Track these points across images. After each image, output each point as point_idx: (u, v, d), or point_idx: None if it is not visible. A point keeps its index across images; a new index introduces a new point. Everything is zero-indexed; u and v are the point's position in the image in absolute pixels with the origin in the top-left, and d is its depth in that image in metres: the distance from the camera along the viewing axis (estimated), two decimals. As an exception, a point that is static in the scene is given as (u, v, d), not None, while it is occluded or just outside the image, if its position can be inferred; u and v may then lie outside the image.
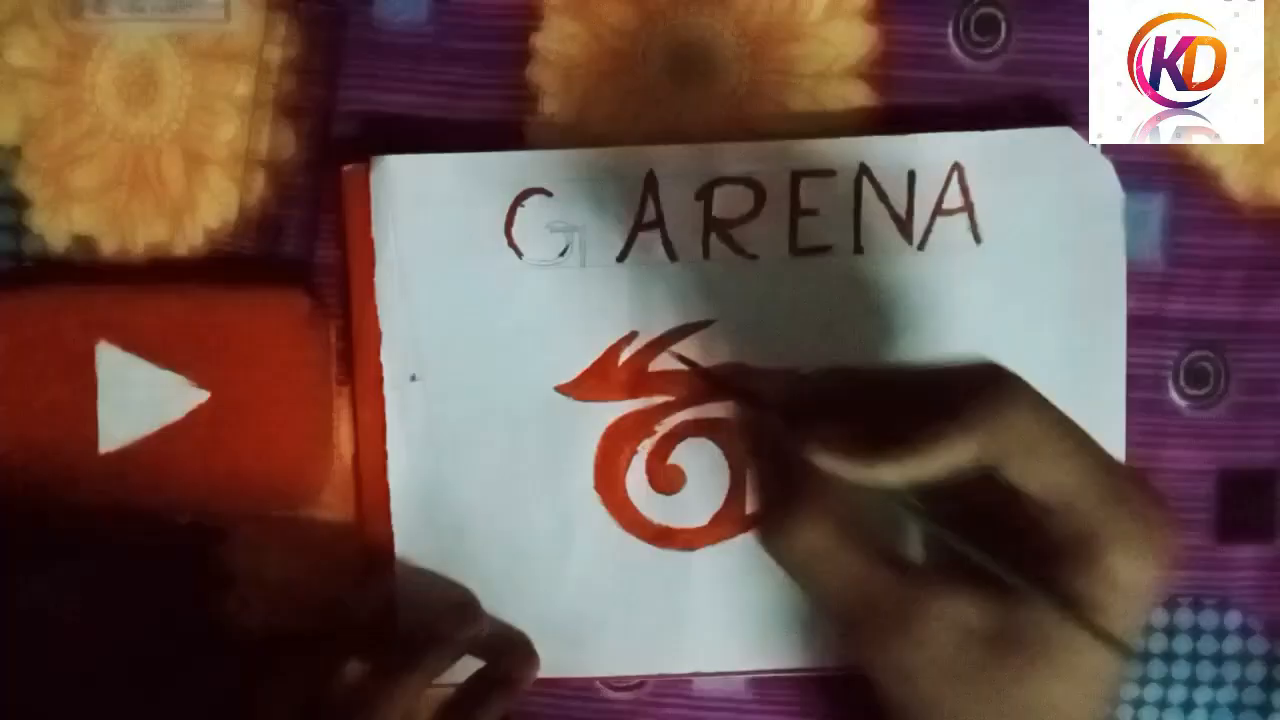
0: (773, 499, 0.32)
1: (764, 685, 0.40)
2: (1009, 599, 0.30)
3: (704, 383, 0.35)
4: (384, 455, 0.39)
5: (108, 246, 0.39)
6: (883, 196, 0.38)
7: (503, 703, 0.38)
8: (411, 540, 0.39)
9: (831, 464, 0.31)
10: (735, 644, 0.39)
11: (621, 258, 0.39)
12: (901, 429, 0.30)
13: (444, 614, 0.38)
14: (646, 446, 0.39)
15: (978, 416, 0.29)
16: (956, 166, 0.38)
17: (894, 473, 0.30)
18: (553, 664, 0.39)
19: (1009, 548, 0.30)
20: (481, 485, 0.39)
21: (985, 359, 0.31)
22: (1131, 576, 0.29)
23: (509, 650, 0.39)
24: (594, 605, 0.39)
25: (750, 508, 0.39)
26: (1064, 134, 0.38)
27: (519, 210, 0.38)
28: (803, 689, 0.40)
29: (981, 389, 0.30)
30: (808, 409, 0.32)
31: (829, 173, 0.38)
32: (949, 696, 0.30)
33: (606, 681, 0.40)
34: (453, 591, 0.39)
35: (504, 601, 0.39)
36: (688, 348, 0.38)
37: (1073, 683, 0.30)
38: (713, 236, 0.39)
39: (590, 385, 0.39)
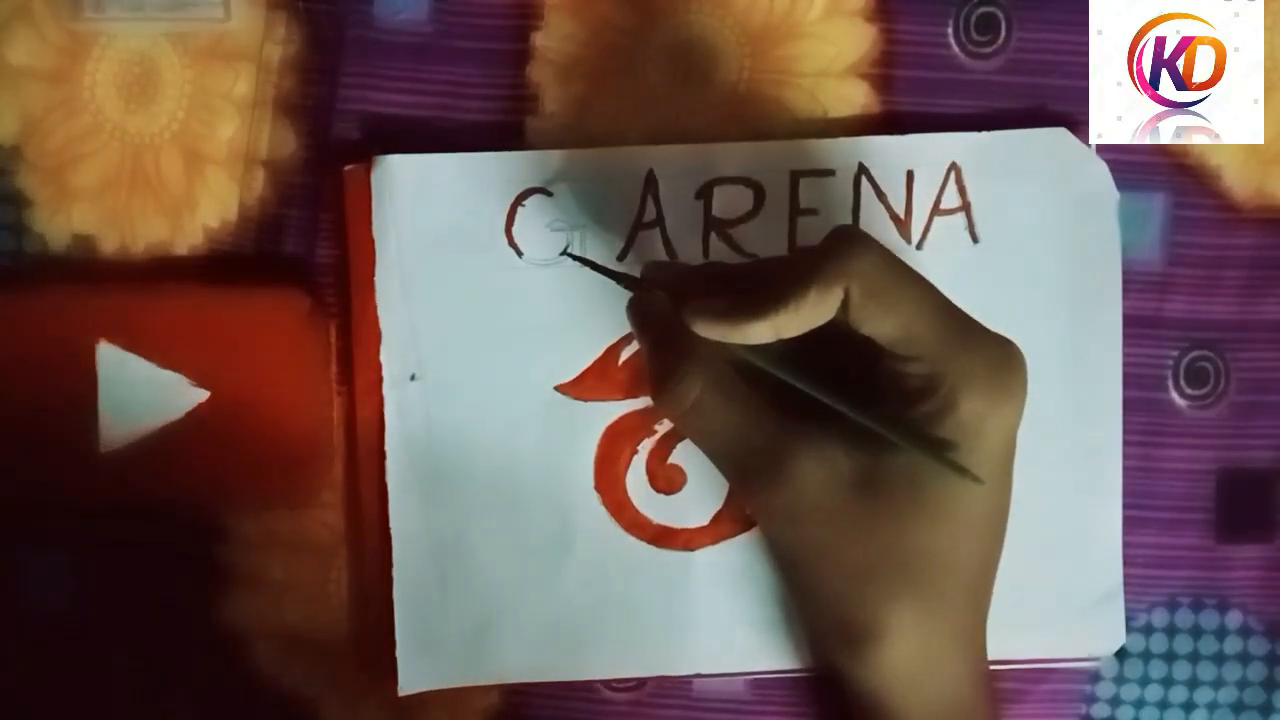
0: (663, 364, 0.34)
1: (764, 686, 0.40)
2: (876, 444, 0.32)
3: (596, 272, 0.36)
4: (383, 454, 0.39)
5: (108, 246, 0.39)
6: (881, 196, 0.38)
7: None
8: (410, 539, 0.39)
9: (708, 328, 0.32)
10: (735, 645, 0.39)
11: (622, 257, 0.39)
12: (765, 291, 0.32)
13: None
14: (646, 446, 0.39)
15: (829, 267, 0.31)
16: (954, 166, 0.38)
17: (764, 329, 0.32)
18: (552, 666, 0.39)
19: (871, 397, 0.33)
20: (481, 484, 0.39)
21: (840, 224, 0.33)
22: (982, 415, 0.32)
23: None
24: (593, 606, 0.39)
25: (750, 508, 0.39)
26: (1059, 134, 0.38)
27: (519, 210, 0.38)
28: (803, 690, 0.40)
29: (832, 245, 0.32)
30: (692, 289, 0.34)
31: (828, 172, 0.38)
32: (824, 539, 0.33)
33: (606, 682, 0.40)
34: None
35: (503, 601, 0.39)
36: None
37: (944, 524, 0.33)
38: (712, 236, 0.39)
39: (590, 385, 0.39)
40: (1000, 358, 0.32)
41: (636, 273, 0.36)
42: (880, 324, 0.31)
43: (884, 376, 0.33)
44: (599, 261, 0.37)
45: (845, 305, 0.31)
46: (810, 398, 0.33)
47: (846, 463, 0.33)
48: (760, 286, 0.32)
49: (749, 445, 0.34)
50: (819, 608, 0.35)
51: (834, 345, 0.33)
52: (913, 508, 0.32)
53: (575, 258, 0.37)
